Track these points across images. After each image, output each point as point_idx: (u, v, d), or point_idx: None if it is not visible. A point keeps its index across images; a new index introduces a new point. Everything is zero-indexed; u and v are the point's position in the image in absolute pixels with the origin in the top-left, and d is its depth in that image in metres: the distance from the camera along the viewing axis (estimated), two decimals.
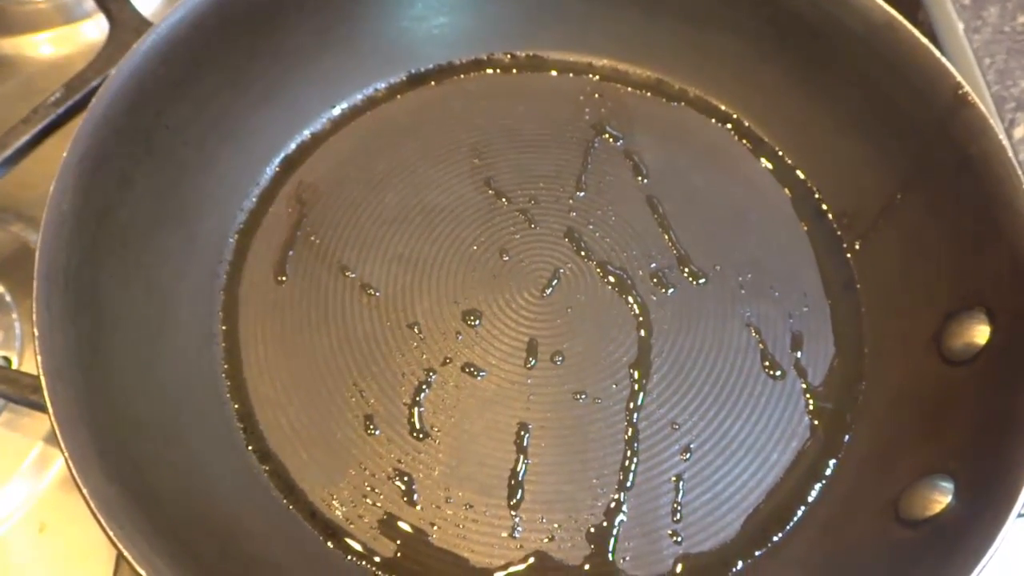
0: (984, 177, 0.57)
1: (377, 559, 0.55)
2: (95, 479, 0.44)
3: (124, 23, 0.68)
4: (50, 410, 0.45)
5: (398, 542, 0.55)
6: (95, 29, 0.80)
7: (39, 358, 0.47)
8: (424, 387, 0.60)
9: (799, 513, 0.57)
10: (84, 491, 0.44)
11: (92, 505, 0.43)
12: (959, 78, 0.59)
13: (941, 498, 0.50)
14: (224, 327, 0.62)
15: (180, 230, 0.61)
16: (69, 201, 0.52)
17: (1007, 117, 0.75)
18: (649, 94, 0.74)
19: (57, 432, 0.45)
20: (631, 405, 0.60)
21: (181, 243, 0.61)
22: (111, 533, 0.43)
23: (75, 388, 0.48)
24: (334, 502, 0.56)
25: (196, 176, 0.62)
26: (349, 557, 0.55)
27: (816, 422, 0.60)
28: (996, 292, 0.55)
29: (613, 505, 0.57)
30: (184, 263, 0.61)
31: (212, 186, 0.64)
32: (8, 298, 0.67)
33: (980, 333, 0.55)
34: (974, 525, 0.46)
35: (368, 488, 0.57)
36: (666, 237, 0.66)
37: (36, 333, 0.47)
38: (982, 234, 0.56)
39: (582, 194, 0.68)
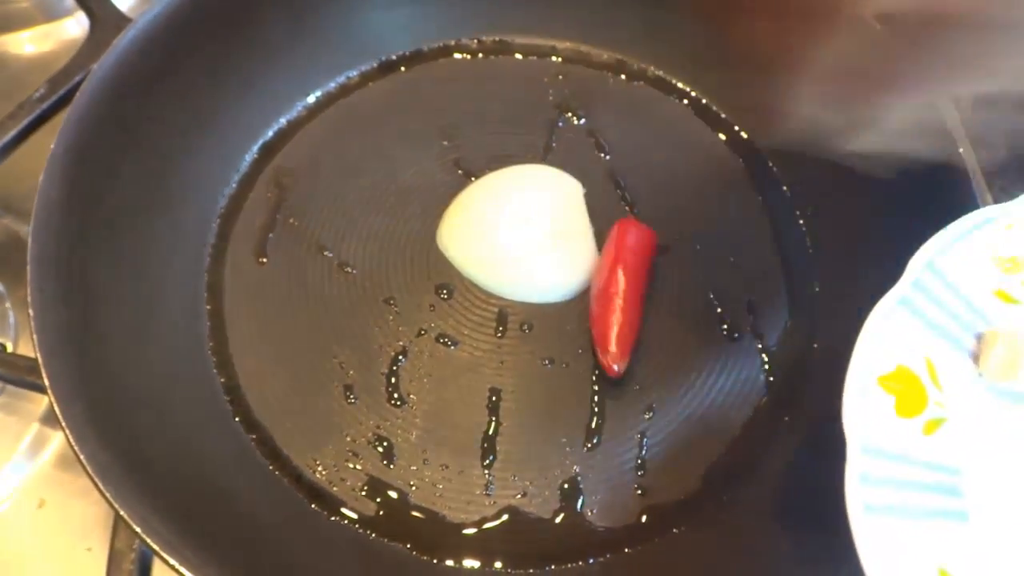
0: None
1: (359, 518, 0.58)
2: (91, 446, 0.47)
3: (104, 19, 0.70)
4: (47, 384, 0.48)
5: (379, 501, 0.58)
6: (76, 26, 0.82)
7: (35, 337, 0.50)
8: (400, 357, 0.63)
9: (756, 465, 0.61)
10: (81, 457, 0.46)
11: (89, 469, 0.46)
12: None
13: None
14: (209, 306, 0.64)
15: (165, 215, 0.64)
16: (57, 190, 0.55)
17: None
18: (610, 75, 0.77)
19: (54, 404, 0.48)
20: (597, 369, 0.63)
21: (166, 228, 0.64)
22: (107, 495, 0.46)
23: (69, 364, 0.51)
24: (318, 467, 0.59)
25: (179, 164, 0.65)
26: (333, 517, 0.58)
27: (772, 380, 0.63)
28: None
29: (581, 462, 0.60)
30: (170, 247, 0.64)
31: (194, 173, 0.67)
32: (1, 288, 0.69)
33: None
34: None
35: (349, 453, 0.60)
36: (628, 210, 0.70)
37: (31, 314, 0.50)
38: (925, 196, 0.59)
39: None
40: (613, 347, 0.61)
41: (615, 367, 0.60)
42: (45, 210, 0.54)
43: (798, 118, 0.69)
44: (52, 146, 0.55)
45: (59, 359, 0.50)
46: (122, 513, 0.46)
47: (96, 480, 0.46)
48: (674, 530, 0.58)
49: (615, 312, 0.61)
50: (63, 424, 0.47)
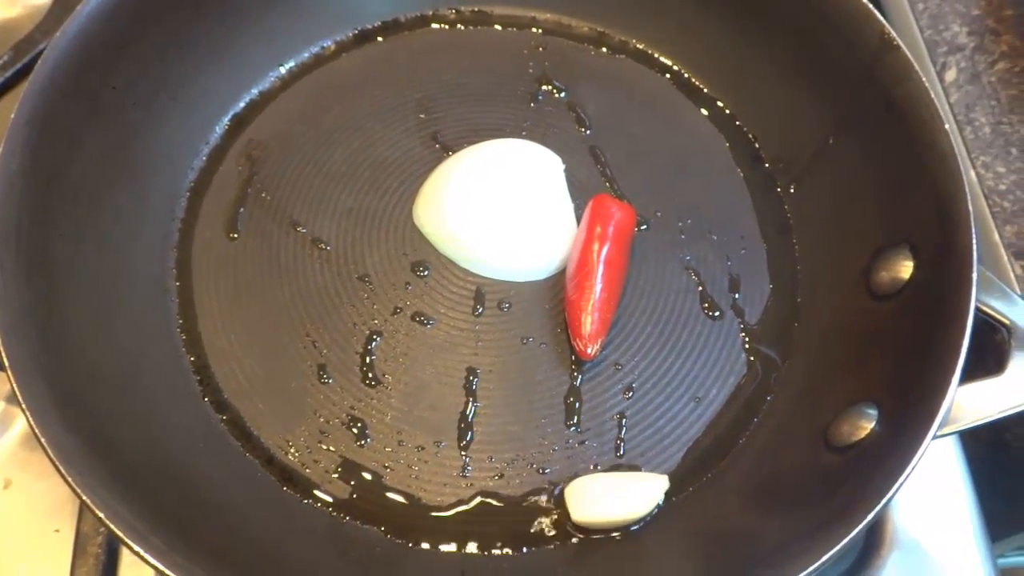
0: (909, 119, 0.59)
1: (333, 501, 0.57)
2: (53, 429, 0.46)
3: None
4: (6, 363, 0.47)
5: (353, 483, 0.57)
6: None
7: None
8: (375, 336, 0.62)
9: (736, 445, 0.60)
10: (42, 440, 0.45)
11: (50, 453, 0.45)
12: (884, 23, 0.61)
13: (866, 424, 0.53)
14: (178, 283, 0.63)
15: (132, 189, 0.62)
16: (18, 162, 0.53)
17: (939, 61, 0.77)
18: (591, 47, 0.75)
19: (14, 385, 0.46)
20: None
21: (133, 202, 0.62)
22: (69, 479, 0.44)
23: (31, 343, 0.49)
24: (290, 448, 0.58)
25: (145, 135, 0.63)
26: (306, 500, 0.57)
27: (752, 359, 0.63)
28: (920, 228, 0.57)
29: (559, 443, 0.59)
30: (137, 221, 0.62)
31: (162, 145, 0.65)
32: None
33: (905, 268, 0.57)
34: (895, 447, 0.49)
35: (323, 434, 0.58)
36: (608, 186, 0.68)
37: None
38: (908, 174, 0.59)
39: None
40: (585, 329, 0.59)
41: (588, 350, 0.59)
42: (5, 183, 0.52)
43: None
44: (12, 116, 0.53)
45: (19, 337, 0.49)
46: (84, 497, 0.44)
47: (57, 463, 0.45)
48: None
49: (587, 292, 0.60)
50: (23, 404, 0.46)
